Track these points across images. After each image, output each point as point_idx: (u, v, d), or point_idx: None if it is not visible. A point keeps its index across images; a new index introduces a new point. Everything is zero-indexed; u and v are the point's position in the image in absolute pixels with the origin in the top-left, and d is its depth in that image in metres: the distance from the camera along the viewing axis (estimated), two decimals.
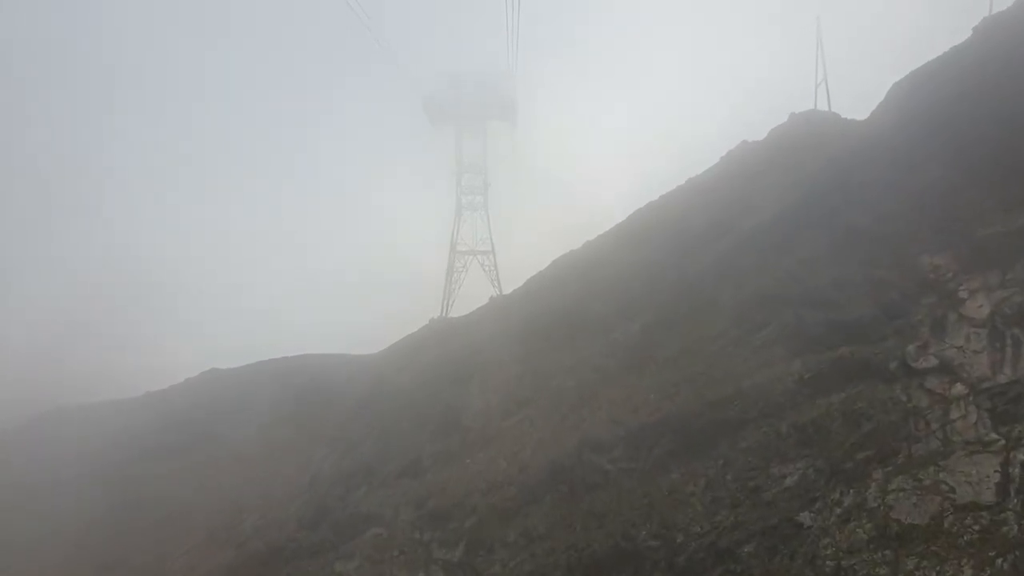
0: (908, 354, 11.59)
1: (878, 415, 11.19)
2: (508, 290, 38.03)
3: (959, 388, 10.59)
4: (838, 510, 10.53)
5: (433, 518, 16.93)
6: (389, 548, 16.47)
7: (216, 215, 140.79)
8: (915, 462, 10.29)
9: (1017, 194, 12.54)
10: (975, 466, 9.54)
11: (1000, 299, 11.24)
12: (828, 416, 11.98)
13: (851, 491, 10.58)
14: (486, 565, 14.72)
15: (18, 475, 34.33)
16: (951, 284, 11.94)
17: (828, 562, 9.84)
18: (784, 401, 12.96)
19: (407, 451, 20.44)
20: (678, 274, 20.60)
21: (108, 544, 26.31)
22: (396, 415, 22.89)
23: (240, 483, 27.49)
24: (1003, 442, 9.65)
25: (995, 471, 9.33)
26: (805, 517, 10.80)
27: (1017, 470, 9.19)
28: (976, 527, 8.94)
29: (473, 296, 41.33)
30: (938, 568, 8.76)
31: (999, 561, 8.43)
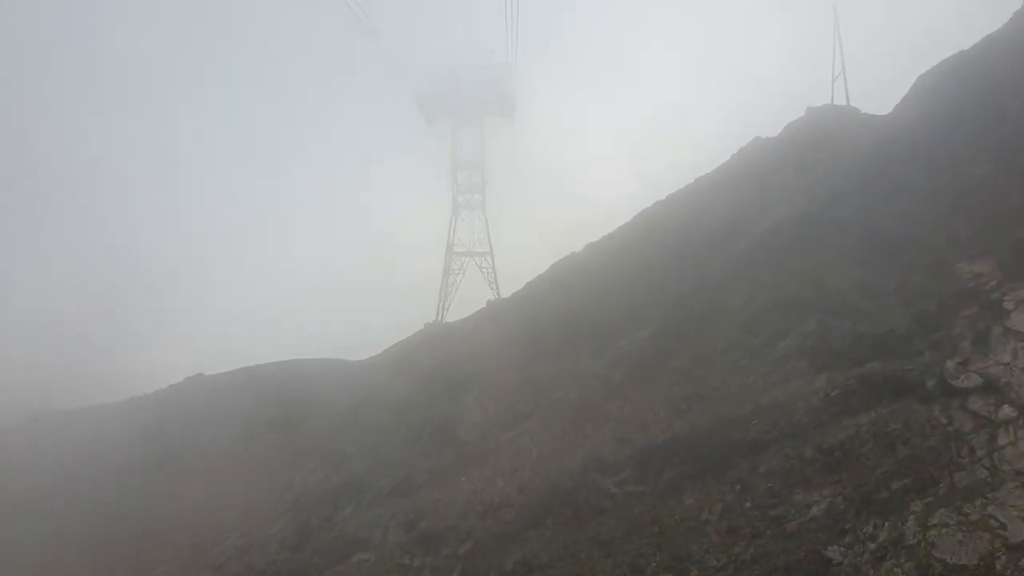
0: (947, 371, 10.80)
1: (915, 439, 10.39)
2: (507, 293, 37.28)
3: (1007, 411, 9.80)
4: (872, 545, 9.71)
5: (425, 542, 16.13)
6: (376, 575, 15.66)
7: (202, 215, 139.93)
8: (959, 494, 9.48)
9: None
10: None
11: None
12: (858, 439, 11.18)
13: (886, 524, 9.75)
14: None
15: None
16: (994, 294, 11.15)
17: None
18: (808, 421, 12.16)
19: (398, 467, 19.63)
20: (688, 279, 19.84)
21: (83, 562, 25.46)
22: (387, 427, 22.09)
23: (222, 498, 26.64)
24: None
25: None
26: (834, 552, 9.98)
27: None
28: None
29: (470, 299, 40.62)
30: None
31: None
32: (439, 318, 38.03)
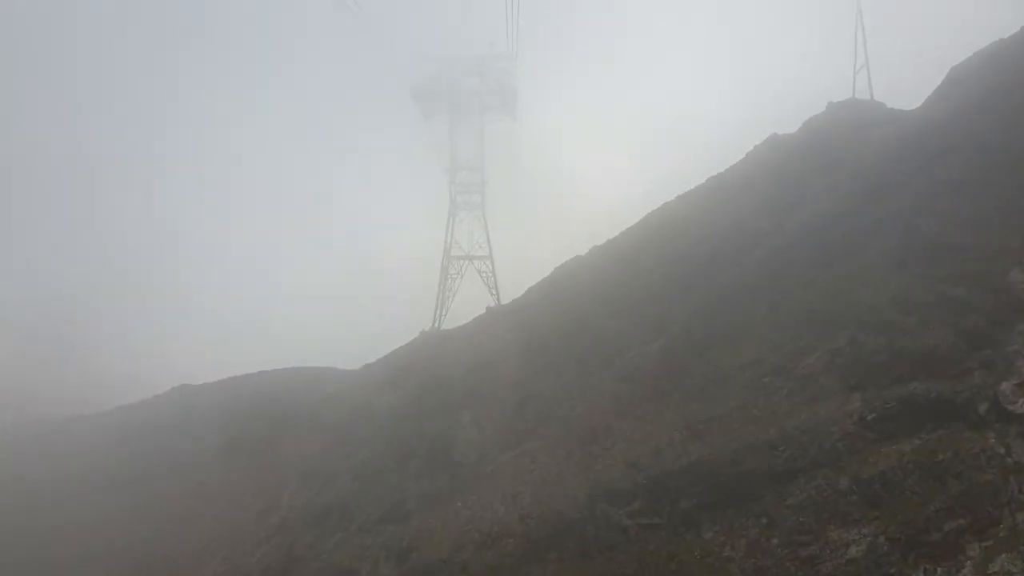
0: (1002, 394, 9.90)
1: (968, 472, 9.48)
2: (507, 299, 36.35)
3: None
4: None
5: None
6: None
7: (187, 216, 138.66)
8: (1023, 536, 8.57)
9: None
10: None
11: None
12: (900, 470, 10.28)
13: (938, 571, 8.85)
14: None
15: None
16: None
17: None
18: (842, 448, 11.26)
19: (389, 490, 18.72)
20: (702, 287, 18.96)
21: None
22: (377, 445, 21.18)
23: (202, 518, 25.74)
24: None
25: None
26: None
27: None
28: None
29: (469, 305, 39.71)
30: None
31: None
32: (436, 325, 37.12)
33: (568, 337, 21.55)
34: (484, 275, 38.98)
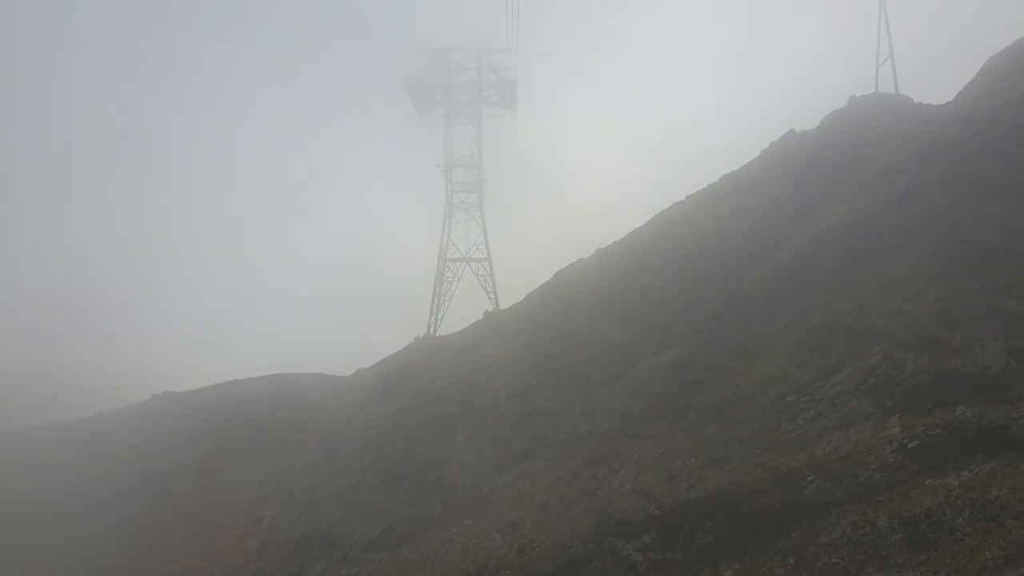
0: None
1: None
2: (506, 304, 35.53)
3: None
4: None
5: None
6: None
7: (170, 215, 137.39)
8: None
9: None
10: None
11: None
12: (949, 507, 9.36)
13: None
14: None
15: None
16: None
17: None
18: (880, 480, 10.36)
19: (376, 515, 17.82)
20: (716, 294, 18.08)
21: None
22: (365, 465, 20.27)
23: (179, 539, 24.83)
24: None
25: None
26: None
27: None
28: None
29: (465, 309, 38.89)
30: None
31: None
32: (430, 331, 36.26)
33: (571, 347, 20.68)
34: (482, 278, 38.18)
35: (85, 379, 68.35)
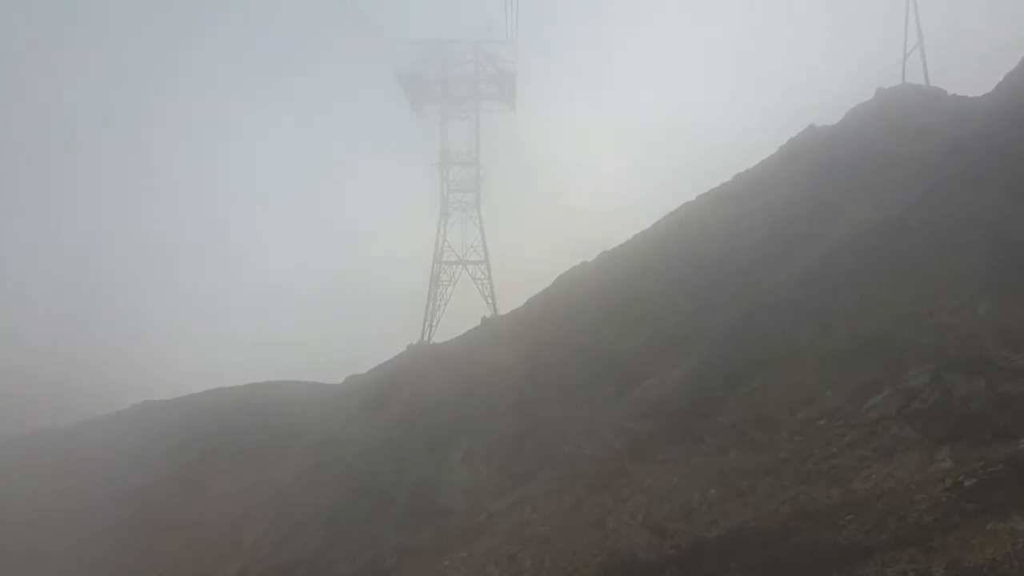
0: None
1: None
2: (505, 309, 34.45)
3: None
4: None
5: None
6: None
7: (152, 213, 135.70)
8: None
9: None
10: None
11: None
12: (1017, 558, 8.22)
13: None
14: None
15: None
16: None
17: None
18: (931, 522, 9.20)
19: (364, 543, 16.74)
20: (734, 301, 16.99)
21: None
22: (353, 486, 19.20)
23: (155, 562, 23.82)
24: None
25: None
26: None
27: None
28: None
29: (462, 315, 37.83)
30: None
31: None
32: (425, 338, 35.13)
33: (574, 358, 19.60)
34: (479, 282, 37.05)
35: (71, 384, 67.34)
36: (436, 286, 36.56)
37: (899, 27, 21.22)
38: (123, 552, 26.30)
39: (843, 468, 10.74)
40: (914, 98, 19.57)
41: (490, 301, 36.42)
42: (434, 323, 36.11)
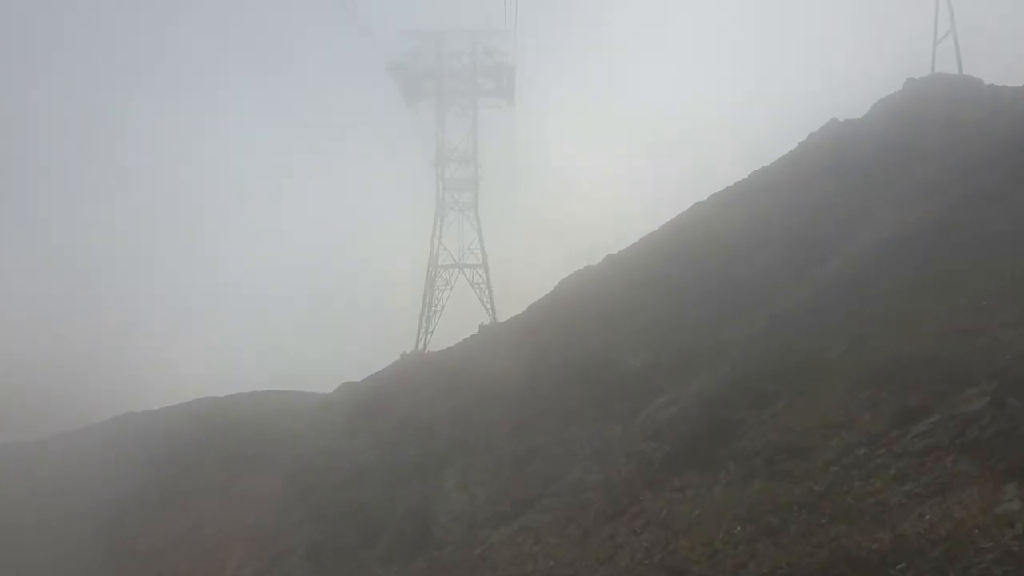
0: None
1: None
2: (504, 315, 33.47)
3: None
4: None
5: None
6: None
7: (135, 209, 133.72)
8: None
9: None
10: None
11: None
12: None
13: None
14: None
15: None
16: None
17: None
18: (999, 574, 8.15)
19: None
20: (755, 311, 15.95)
21: None
22: (339, 512, 18.15)
23: None
24: None
25: None
26: None
27: None
28: None
29: (459, 322, 36.84)
30: None
31: None
32: (419, 346, 34.12)
33: (579, 372, 18.57)
34: (477, 287, 36.16)
35: (53, 392, 66.18)
36: (431, 291, 35.66)
37: (929, 12, 20.23)
38: None
39: (890, 506, 9.67)
40: (946, 89, 18.59)
41: (489, 307, 35.54)
42: (429, 330, 35.20)
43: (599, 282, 24.72)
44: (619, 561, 12.39)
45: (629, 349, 18.24)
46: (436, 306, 35.57)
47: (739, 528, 10.94)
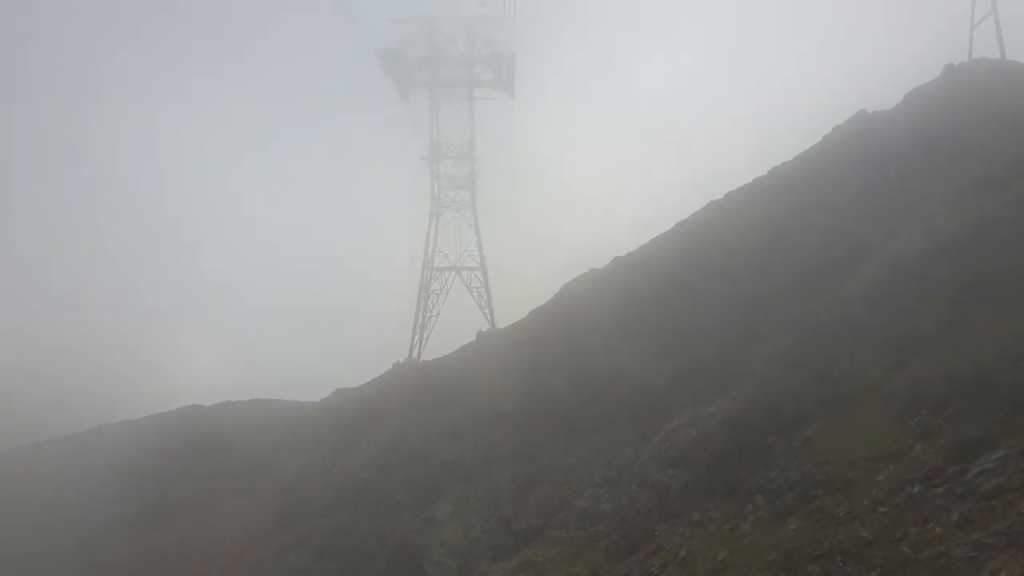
0: None
1: None
2: (504, 320, 32.46)
3: None
4: None
5: None
6: None
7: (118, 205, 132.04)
8: None
9: None
10: None
11: None
12: None
13: None
14: None
15: None
16: None
17: None
18: None
19: None
20: (782, 322, 14.85)
21: None
22: (322, 541, 17.04)
23: None
24: None
25: None
26: None
27: None
28: None
29: (455, 328, 35.80)
30: None
31: None
32: (413, 354, 33.05)
33: (586, 388, 17.51)
34: (475, 291, 35.20)
35: (31, 398, 65.08)
36: (426, 296, 34.66)
37: None
38: None
39: (955, 559, 8.58)
40: (989, 75, 17.50)
41: (487, 312, 34.47)
42: (424, 337, 34.17)
43: (606, 287, 23.59)
44: None
45: (642, 363, 17.15)
46: (431, 311, 34.57)
47: (770, 575, 9.84)
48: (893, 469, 10.26)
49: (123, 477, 31.53)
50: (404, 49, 33.47)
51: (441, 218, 35.37)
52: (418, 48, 33.71)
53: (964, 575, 8.37)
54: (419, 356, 33.02)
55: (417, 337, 33.65)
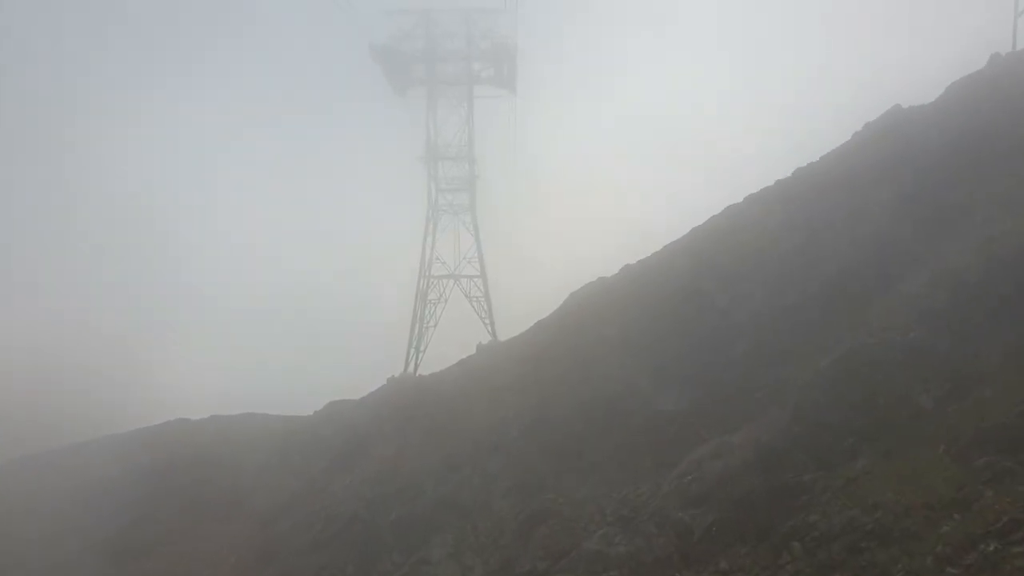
0: None
1: None
2: (506, 333, 31.41)
3: None
4: None
5: None
6: None
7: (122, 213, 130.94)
8: None
9: None
10: None
11: None
12: None
13: None
14: None
15: None
16: None
17: None
18: None
19: None
20: (818, 344, 13.68)
21: None
22: None
23: None
24: None
25: None
26: None
27: None
28: None
29: (454, 337, 34.74)
30: None
31: None
32: (408, 368, 31.92)
33: (597, 413, 16.38)
34: (474, 300, 34.13)
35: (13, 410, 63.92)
36: (423, 305, 33.57)
37: None
38: None
39: None
40: None
41: (488, 323, 33.36)
42: (421, 349, 33.05)
43: (616, 297, 22.46)
44: None
45: (658, 383, 16.02)
46: (428, 322, 33.45)
47: None
48: (959, 520, 9.08)
49: (102, 497, 30.46)
50: (400, 44, 32.47)
51: (439, 223, 34.36)
52: (414, 42, 32.75)
53: None
54: (415, 370, 31.94)
55: (413, 349, 32.61)
